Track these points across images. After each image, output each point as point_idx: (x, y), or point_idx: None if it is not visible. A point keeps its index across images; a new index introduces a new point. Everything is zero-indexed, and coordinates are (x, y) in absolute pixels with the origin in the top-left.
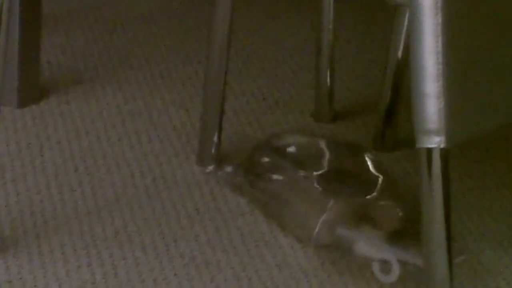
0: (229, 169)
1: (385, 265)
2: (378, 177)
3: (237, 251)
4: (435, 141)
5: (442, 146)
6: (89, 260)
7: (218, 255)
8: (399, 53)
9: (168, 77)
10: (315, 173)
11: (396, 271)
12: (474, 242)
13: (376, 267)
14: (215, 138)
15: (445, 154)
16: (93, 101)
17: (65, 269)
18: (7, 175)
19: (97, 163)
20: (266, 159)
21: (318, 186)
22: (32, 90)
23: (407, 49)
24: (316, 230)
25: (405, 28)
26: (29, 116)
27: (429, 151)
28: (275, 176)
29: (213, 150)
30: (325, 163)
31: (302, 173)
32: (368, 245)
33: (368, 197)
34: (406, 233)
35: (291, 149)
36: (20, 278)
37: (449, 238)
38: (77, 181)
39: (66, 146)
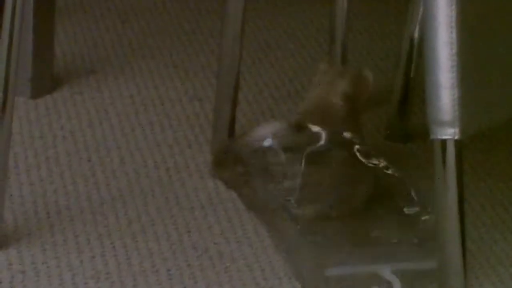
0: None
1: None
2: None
3: (250, 241)
4: (449, 133)
5: (456, 137)
6: (102, 250)
7: (232, 245)
8: (413, 44)
9: (181, 67)
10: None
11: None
12: (488, 233)
13: None
14: (229, 129)
15: (459, 145)
16: (106, 91)
17: (79, 259)
18: (20, 165)
19: (111, 153)
20: (241, 167)
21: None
22: (46, 80)
23: (421, 39)
24: (304, 277)
25: (419, 18)
26: (42, 106)
27: (443, 142)
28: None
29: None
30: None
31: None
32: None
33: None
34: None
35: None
36: (34, 268)
37: (463, 229)
38: (90, 171)
39: (80, 136)
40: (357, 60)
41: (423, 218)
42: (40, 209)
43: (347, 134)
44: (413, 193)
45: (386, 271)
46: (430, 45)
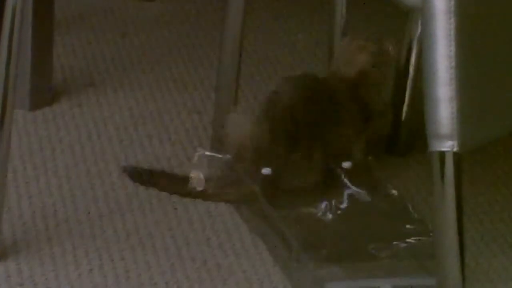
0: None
1: None
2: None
3: (248, 254)
4: (447, 145)
5: (454, 150)
6: (101, 263)
7: (230, 258)
8: (412, 57)
9: (180, 80)
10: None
11: None
12: (486, 247)
13: None
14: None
15: (457, 158)
16: (105, 104)
17: (77, 272)
18: (19, 178)
19: (109, 166)
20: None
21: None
22: (45, 93)
23: (420, 53)
24: None
25: (418, 32)
26: (41, 119)
27: (442, 155)
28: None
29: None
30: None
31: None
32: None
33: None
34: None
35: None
36: (32, 281)
37: (461, 243)
38: (89, 184)
39: (78, 149)
40: None
41: (421, 234)
42: (38, 221)
43: None
44: (411, 209)
45: (386, 286)
46: (429, 58)
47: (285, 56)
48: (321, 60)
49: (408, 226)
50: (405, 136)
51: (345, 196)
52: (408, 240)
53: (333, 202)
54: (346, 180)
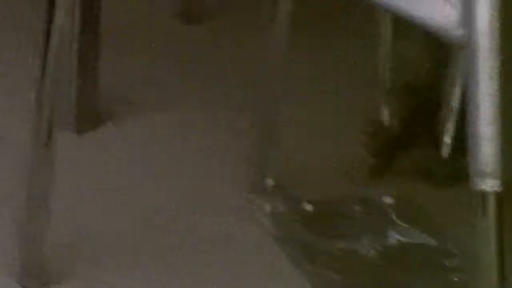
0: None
1: None
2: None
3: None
4: (490, 184)
5: (497, 189)
6: None
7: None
8: (456, 93)
9: (225, 103)
10: None
11: None
12: None
13: None
14: (267, 167)
15: (500, 196)
16: (148, 126)
17: None
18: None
19: (155, 187)
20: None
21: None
22: (91, 115)
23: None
24: None
25: (461, 68)
26: (86, 142)
27: (484, 193)
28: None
29: (264, 179)
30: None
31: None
32: None
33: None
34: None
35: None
36: None
37: (502, 279)
38: (132, 207)
39: (125, 171)
40: None
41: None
42: (84, 247)
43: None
44: (452, 245)
45: None
46: (472, 96)
47: (329, 80)
48: (366, 82)
49: (450, 262)
50: (449, 168)
51: (390, 233)
52: (449, 276)
53: (375, 238)
54: (392, 216)
